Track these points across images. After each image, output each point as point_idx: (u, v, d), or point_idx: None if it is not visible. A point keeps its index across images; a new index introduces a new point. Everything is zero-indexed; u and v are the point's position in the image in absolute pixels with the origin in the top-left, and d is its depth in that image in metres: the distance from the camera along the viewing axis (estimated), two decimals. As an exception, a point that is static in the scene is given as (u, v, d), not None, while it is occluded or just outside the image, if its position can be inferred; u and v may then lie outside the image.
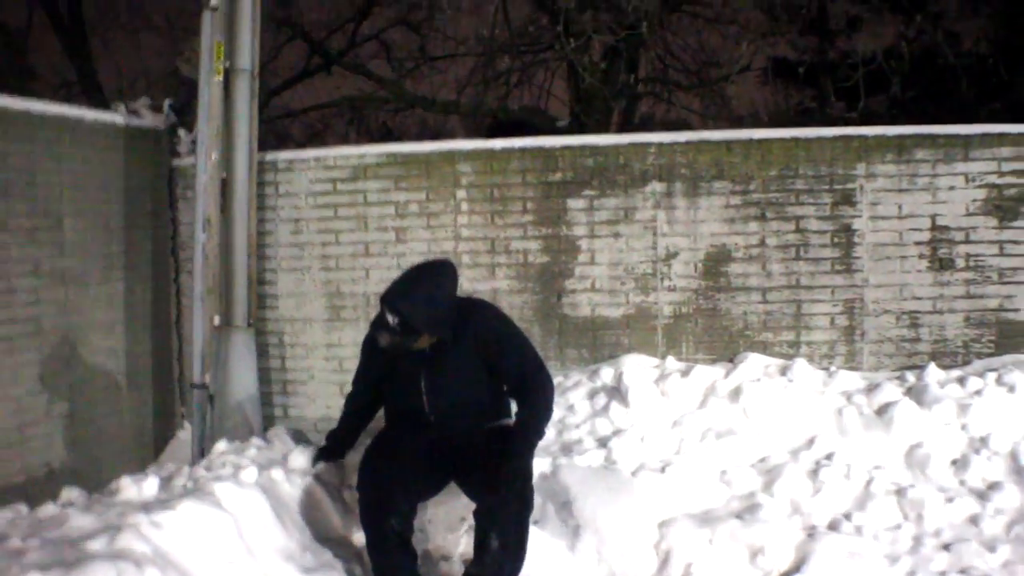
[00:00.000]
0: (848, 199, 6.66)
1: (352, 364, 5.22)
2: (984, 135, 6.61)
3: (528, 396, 4.64)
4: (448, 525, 5.06)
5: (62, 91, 14.45)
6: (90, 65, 14.50)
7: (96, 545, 3.87)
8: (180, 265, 7.27)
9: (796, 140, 6.76)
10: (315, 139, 15.02)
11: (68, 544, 3.90)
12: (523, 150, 6.94)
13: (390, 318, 4.44)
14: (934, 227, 6.61)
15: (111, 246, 6.68)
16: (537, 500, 4.63)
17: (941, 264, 6.62)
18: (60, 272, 6.23)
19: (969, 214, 6.58)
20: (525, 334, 4.89)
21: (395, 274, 6.71)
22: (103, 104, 7.12)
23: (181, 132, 7.30)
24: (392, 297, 4.48)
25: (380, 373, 4.91)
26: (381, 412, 5.06)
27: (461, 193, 6.96)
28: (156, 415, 7.08)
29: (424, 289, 4.51)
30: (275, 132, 13.38)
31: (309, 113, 14.44)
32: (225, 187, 6.37)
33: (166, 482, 4.78)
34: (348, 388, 5.18)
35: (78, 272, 6.37)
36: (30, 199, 6.06)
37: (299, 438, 5.54)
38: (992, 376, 6.10)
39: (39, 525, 4.18)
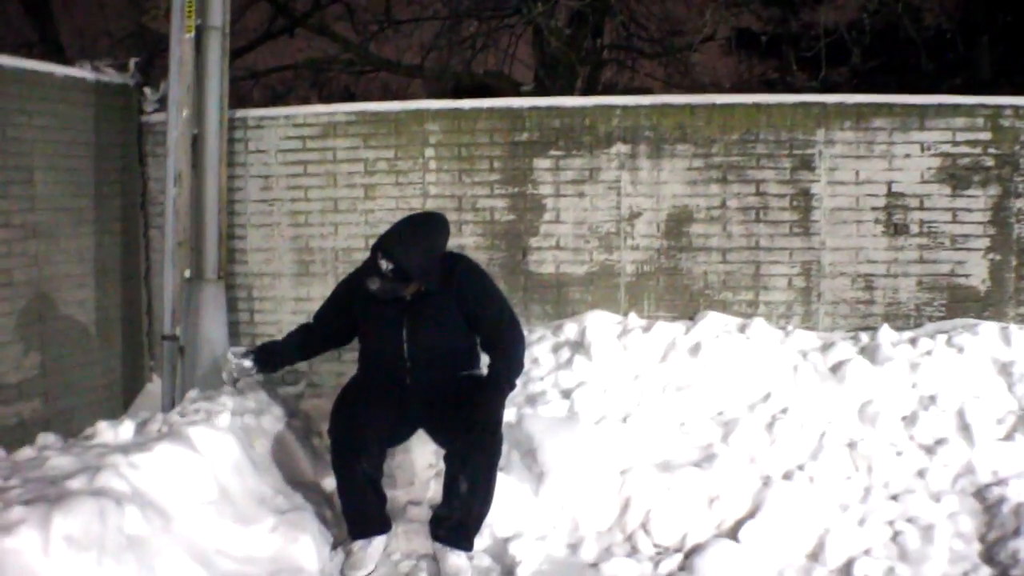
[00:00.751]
0: (807, 164, 6.78)
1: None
2: (939, 106, 6.73)
3: (502, 348, 4.79)
4: (417, 471, 5.19)
5: (23, 51, 14.26)
6: (51, 25, 14.33)
7: (77, 483, 3.95)
8: (149, 220, 7.27)
9: (758, 106, 6.86)
10: (277, 101, 14.92)
11: (49, 483, 3.98)
12: (491, 110, 7.01)
13: (384, 263, 4.53)
14: (890, 193, 6.73)
15: (81, 200, 6.68)
16: (503, 448, 4.75)
17: (896, 229, 6.75)
18: (31, 226, 6.24)
19: (924, 181, 6.71)
20: (500, 290, 5.06)
21: (363, 230, 6.90)
22: (66, 63, 7.11)
23: (147, 90, 7.29)
24: (389, 243, 4.59)
25: (344, 315, 5.02)
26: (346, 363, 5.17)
27: (429, 151, 7.02)
28: (125, 368, 7.11)
29: (421, 239, 4.64)
30: (237, 94, 13.31)
31: (271, 75, 14.41)
32: (196, 143, 6.39)
33: (141, 427, 4.85)
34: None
35: (49, 226, 6.37)
36: (1, 153, 6.05)
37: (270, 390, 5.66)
38: (942, 338, 6.23)
39: (18, 466, 4.25)
